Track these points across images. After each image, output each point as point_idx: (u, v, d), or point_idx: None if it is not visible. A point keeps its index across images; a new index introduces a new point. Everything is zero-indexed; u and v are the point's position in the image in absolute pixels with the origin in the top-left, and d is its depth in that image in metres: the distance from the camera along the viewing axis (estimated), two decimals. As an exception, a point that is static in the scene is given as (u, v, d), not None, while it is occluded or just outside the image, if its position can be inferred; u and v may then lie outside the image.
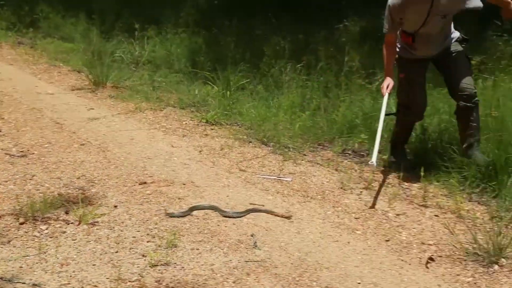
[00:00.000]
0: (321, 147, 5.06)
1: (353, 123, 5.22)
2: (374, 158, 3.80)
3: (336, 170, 4.51)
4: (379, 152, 4.12)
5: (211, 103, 6.32)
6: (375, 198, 3.92)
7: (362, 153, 4.84)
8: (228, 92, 6.40)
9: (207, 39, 9.16)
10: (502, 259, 3.08)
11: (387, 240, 3.35)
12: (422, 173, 4.09)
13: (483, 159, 4.06)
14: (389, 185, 4.18)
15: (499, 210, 3.64)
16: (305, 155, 4.86)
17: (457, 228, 3.47)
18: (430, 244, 3.31)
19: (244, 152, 4.94)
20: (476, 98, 4.15)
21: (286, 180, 4.28)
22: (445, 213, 3.72)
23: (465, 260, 3.11)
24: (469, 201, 3.89)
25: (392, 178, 4.32)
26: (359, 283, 2.87)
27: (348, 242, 3.32)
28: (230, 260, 3.07)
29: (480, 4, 4.05)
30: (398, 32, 4.29)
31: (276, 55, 7.13)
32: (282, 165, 4.61)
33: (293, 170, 4.52)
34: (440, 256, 3.17)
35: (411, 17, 4.08)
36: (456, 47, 4.28)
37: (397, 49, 4.36)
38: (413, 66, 4.35)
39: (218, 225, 3.51)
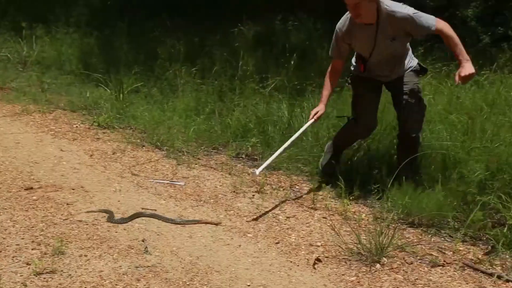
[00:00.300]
0: (215, 151, 5.10)
1: (247, 127, 5.30)
2: (259, 170, 3.79)
3: (230, 174, 4.56)
4: (267, 167, 4.05)
5: (103, 106, 6.19)
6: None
7: (255, 157, 4.92)
8: (121, 95, 6.29)
9: (100, 40, 8.95)
10: (384, 258, 3.24)
11: (277, 243, 3.43)
12: (311, 177, 4.23)
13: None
14: (281, 189, 4.28)
15: (381, 212, 3.83)
16: (199, 159, 4.88)
17: (343, 230, 3.61)
18: (318, 246, 3.42)
19: (137, 156, 4.89)
20: (419, 135, 4.07)
21: (179, 184, 4.28)
22: (332, 215, 3.86)
23: (349, 260, 3.25)
24: (356, 203, 4.06)
25: (284, 181, 4.43)
26: (248, 285, 2.92)
27: (239, 245, 3.37)
28: (120, 266, 3.03)
29: (430, 30, 3.83)
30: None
31: (171, 58, 7.11)
32: (175, 169, 4.61)
33: (186, 174, 4.53)
34: (327, 257, 3.28)
35: (359, 43, 4.03)
36: (410, 78, 4.10)
37: (351, 66, 4.34)
38: (364, 84, 4.23)
39: (108, 230, 3.46)
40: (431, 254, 3.33)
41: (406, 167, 3.87)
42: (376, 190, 4.10)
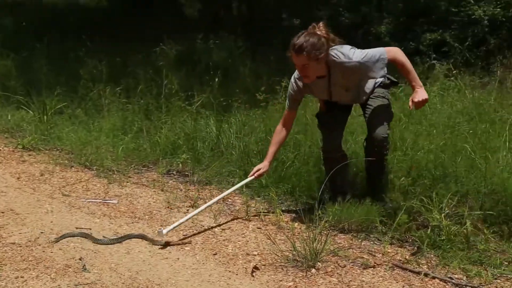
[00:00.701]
0: (145, 168, 5.12)
1: (176, 144, 5.35)
2: (167, 230, 3.61)
3: (162, 190, 4.59)
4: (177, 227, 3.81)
5: (26, 128, 6.09)
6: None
7: (186, 173, 4.97)
8: (45, 117, 6.19)
9: (17, 62, 8.76)
10: (318, 263, 3.36)
11: (214, 254, 3.49)
12: (243, 189, 4.34)
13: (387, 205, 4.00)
14: (214, 203, 4.34)
15: (314, 219, 3.96)
16: (130, 177, 4.88)
17: (278, 238, 3.71)
18: (255, 255, 3.50)
19: (66, 177, 4.83)
20: (386, 144, 3.97)
21: (112, 203, 4.27)
22: (266, 225, 3.96)
23: (286, 267, 3.34)
24: (288, 213, 4.18)
25: (216, 195, 4.50)
26: (190, 296, 2.97)
27: (178, 258, 3.40)
28: (59, 285, 3.00)
29: (383, 65, 3.84)
30: None
31: (93, 78, 7.06)
32: (107, 188, 4.59)
33: (119, 192, 4.52)
34: (264, 265, 3.37)
35: (316, 93, 4.05)
36: (377, 90, 3.99)
37: None
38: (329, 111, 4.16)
39: (43, 251, 3.41)
40: (362, 257, 3.48)
41: (375, 169, 4.03)
42: (307, 201, 4.25)
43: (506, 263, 3.37)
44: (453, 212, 3.71)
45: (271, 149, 4.08)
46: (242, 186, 4.20)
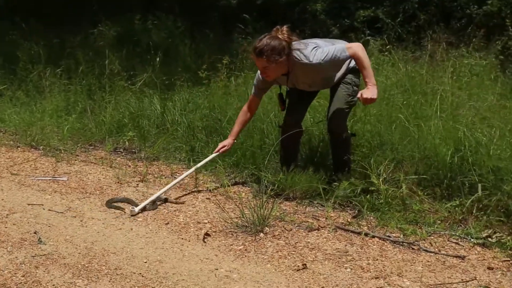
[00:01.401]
0: (92, 147, 5.18)
1: (122, 122, 5.42)
2: (138, 208, 3.77)
3: (111, 167, 4.67)
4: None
5: (-35, 111, 6.00)
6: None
7: (133, 150, 5.07)
8: (-16, 99, 6.13)
9: (-50, 45, 8.55)
10: (266, 228, 3.55)
11: (166, 223, 3.63)
12: (191, 163, 4.49)
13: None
14: (163, 177, 4.47)
15: (260, 188, 4.14)
16: (77, 155, 4.94)
17: (227, 207, 3.88)
18: (205, 223, 3.66)
19: (13, 157, 4.84)
20: (342, 135, 4.06)
21: (62, 180, 4.33)
22: (215, 195, 4.12)
23: (236, 232, 3.51)
24: (235, 185, 4.36)
25: (165, 170, 4.62)
26: (145, 262, 3.09)
27: (131, 229, 3.52)
28: (16, 257, 3.07)
29: (344, 62, 3.95)
30: None
31: (32, 60, 6.98)
32: (55, 166, 4.63)
33: (68, 170, 4.57)
34: (215, 232, 3.53)
35: (280, 84, 4.17)
36: (347, 78, 4.06)
37: None
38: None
39: (-3, 227, 3.46)
40: (307, 221, 3.69)
41: (338, 163, 4.12)
42: (252, 172, 4.43)
43: (439, 221, 3.66)
44: (390, 177, 3.95)
45: (236, 128, 4.26)
46: (207, 162, 4.31)
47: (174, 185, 4.13)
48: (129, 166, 4.69)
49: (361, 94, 3.76)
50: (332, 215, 3.80)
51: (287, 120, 4.20)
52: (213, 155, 4.28)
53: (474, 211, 3.67)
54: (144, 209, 3.80)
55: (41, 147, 5.06)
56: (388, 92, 5.40)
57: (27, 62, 6.86)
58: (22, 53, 7.11)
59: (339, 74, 4.03)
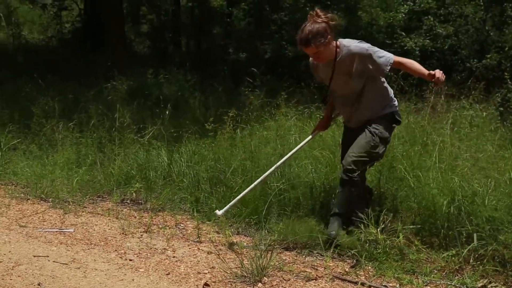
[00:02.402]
0: (100, 198, 5.31)
1: (129, 174, 5.57)
2: (222, 211, 4.25)
3: (117, 218, 4.79)
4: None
5: (-19, 165, 6.18)
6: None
7: (140, 201, 5.20)
8: (-1, 153, 6.33)
9: (-33, 101, 8.83)
10: (264, 278, 3.62)
11: (167, 274, 3.71)
12: (195, 214, 4.62)
13: (332, 233, 4.06)
14: (167, 227, 4.58)
15: (261, 239, 4.24)
16: (85, 207, 5.07)
17: (227, 257, 3.97)
18: (205, 273, 3.74)
19: (22, 209, 4.98)
20: (350, 174, 4.01)
21: (69, 231, 4.45)
22: (217, 246, 4.21)
23: (235, 282, 3.59)
24: (237, 234, 4.45)
25: (169, 220, 4.74)
26: (146, 312, 3.19)
27: (133, 279, 3.61)
28: (21, 308, 3.18)
29: (387, 63, 3.98)
30: None
31: (46, 114, 7.20)
32: (63, 218, 4.76)
33: (74, 221, 4.70)
34: (214, 282, 3.61)
35: (322, 75, 4.23)
36: (375, 122, 4.08)
37: None
38: (344, 132, 4.43)
39: (3, 279, 3.56)
40: (305, 271, 3.77)
41: (338, 202, 4.13)
42: (255, 221, 4.54)
43: (436, 271, 3.73)
44: (388, 227, 4.03)
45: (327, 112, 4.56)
46: (305, 143, 4.52)
47: (261, 181, 4.39)
48: (135, 217, 4.81)
49: (435, 74, 3.81)
50: (330, 264, 3.87)
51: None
52: (314, 134, 4.51)
53: (470, 261, 3.73)
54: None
55: (50, 199, 5.20)
56: (390, 143, 5.51)
57: (41, 117, 7.07)
58: (37, 108, 7.33)
59: (373, 105, 4.09)
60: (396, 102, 4.23)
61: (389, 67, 3.96)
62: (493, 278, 3.56)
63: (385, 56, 3.98)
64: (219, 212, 4.27)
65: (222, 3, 15.09)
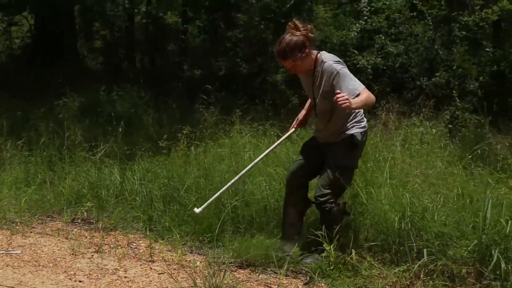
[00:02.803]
0: (49, 218, 5.19)
1: (80, 193, 5.46)
2: (200, 209, 4.23)
3: (67, 238, 4.68)
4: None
5: None
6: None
7: (91, 221, 5.09)
8: None
9: None
10: (218, 296, 3.61)
11: (118, 295, 3.65)
12: (148, 233, 4.56)
13: (310, 263, 4.04)
14: (119, 247, 4.50)
15: (214, 257, 4.20)
16: (33, 227, 4.94)
17: (180, 277, 3.92)
18: (158, 293, 3.70)
19: (-33, 231, 4.83)
20: (323, 205, 4.06)
21: (16, 253, 4.32)
22: (170, 265, 4.16)
23: (188, 302, 3.56)
24: (191, 253, 4.41)
25: (121, 240, 4.66)
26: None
27: (83, 302, 3.54)
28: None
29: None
30: None
31: (-6, 132, 7.04)
32: (10, 239, 4.63)
33: (22, 243, 4.57)
34: (167, 302, 3.57)
35: (305, 87, 4.23)
36: (339, 151, 4.06)
37: None
38: (308, 141, 4.41)
39: None
40: (259, 289, 3.76)
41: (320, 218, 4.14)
42: (208, 239, 4.50)
43: (387, 286, 3.76)
44: (341, 243, 4.05)
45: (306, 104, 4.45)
46: (284, 140, 4.58)
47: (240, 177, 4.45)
48: (85, 237, 4.71)
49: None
50: (284, 282, 3.87)
51: (288, 174, 4.33)
52: (291, 131, 4.46)
53: (421, 276, 3.77)
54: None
55: (-3, 219, 5.05)
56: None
57: (-12, 135, 6.89)
58: (-17, 126, 7.16)
59: (339, 123, 4.04)
60: (363, 123, 4.14)
61: (353, 97, 3.72)
62: (443, 293, 3.62)
63: (354, 85, 3.83)
64: (197, 210, 4.22)
65: (177, 20, 15.07)
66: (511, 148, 6.25)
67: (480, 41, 9.52)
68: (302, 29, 3.93)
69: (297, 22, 3.97)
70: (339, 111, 3.89)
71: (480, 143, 6.19)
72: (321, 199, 4.04)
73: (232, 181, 4.42)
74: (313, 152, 4.25)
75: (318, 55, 4.00)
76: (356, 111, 4.02)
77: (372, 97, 3.81)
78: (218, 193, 4.37)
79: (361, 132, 4.08)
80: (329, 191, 4.03)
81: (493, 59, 8.74)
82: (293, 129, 4.49)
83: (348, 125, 4.06)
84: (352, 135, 4.05)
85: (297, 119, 4.47)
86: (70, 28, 12.21)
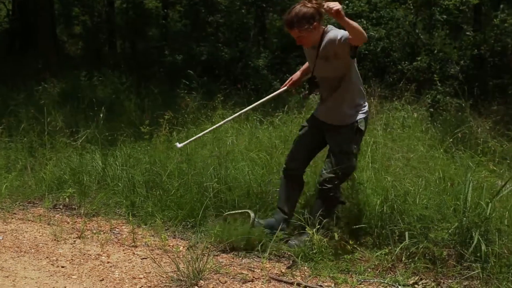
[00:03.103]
0: (31, 204, 5.14)
1: (62, 179, 5.41)
2: (182, 144, 4.43)
3: (49, 224, 4.65)
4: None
5: None
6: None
7: (73, 207, 5.05)
8: None
9: None
10: (201, 281, 3.59)
11: (101, 280, 3.63)
12: (130, 218, 4.54)
13: (294, 246, 4.08)
14: (101, 232, 4.48)
15: (197, 242, 4.21)
16: (15, 213, 4.89)
17: (163, 261, 3.91)
18: (141, 278, 3.68)
19: None
20: (328, 191, 4.07)
21: (-3, 239, 4.30)
22: (153, 250, 4.15)
23: (170, 286, 3.55)
24: (174, 238, 4.40)
25: (104, 225, 4.64)
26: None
27: (65, 287, 3.51)
28: None
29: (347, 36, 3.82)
30: None
31: (-28, 119, 6.95)
32: (-9, 226, 4.59)
33: (3, 229, 4.53)
34: (150, 287, 3.55)
35: (307, 57, 4.21)
36: (345, 135, 4.06)
37: None
38: (308, 121, 4.37)
39: None
40: (242, 273, 3.76)
41: (316, 214, 4.07)
42: (191, 224, 4.50)
43: (370, 269, 3.79)
44: (324, 227, 4.07)
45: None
46: (273, 96, 4.60)
47: (222, 124, 4.77)
48: (68, 223, 4.68)
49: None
50: (267, 266, 3.88)
51: (286, 160, 4.35)
52: (282, 89, 4.50)
53: (402, 259, 3.81)
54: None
55: (-23, 206, 5.00)
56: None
57: (-33, 121, 6.81)
58: (-38, 112, 7.07)
59: (343, 103, 4.03)
60: (366, 108, 4.15)
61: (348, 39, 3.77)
62: (424, 275, 3.66)
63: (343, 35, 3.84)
64: (179, 145, 4.28)
65: (158, 5, 14.95)
66: (491, 132, 6.32)
67: (461, 25, 9.58)
68: (314, 1, 3.93)
69: None
70: (344, 87, 3.99)
71: (461, 127, 6.25)
72: (327, 185, 4.06)
73: (219, 123, 4.70)
74: (312, 133, 4.28)
75: (326, 29, 4.01)
76: (359, 95, 4.08)
77: (365, 35, 3.78)
78: (202, 133, 4.54)
79: (364, 118, 4.09)
80: (334, 177, 4.05)
81: (474, 43, 8.78)
82: (285, 87, 4.52)
83: (351, 109, 4.06)
84: (357, 121, 4.05)
85: (291, 78, 4.51)
86: (49, 13, 12.02)
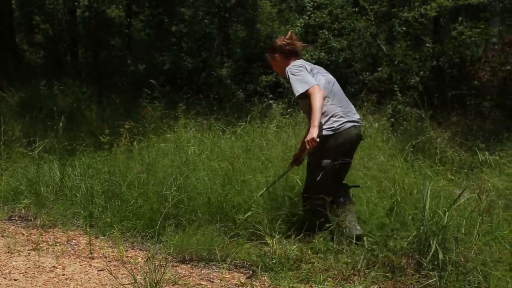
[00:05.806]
0: (-15, 216, 5.00)
1: (18, 189, 5.29)
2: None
3: (2, 236, 4.52)
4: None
5: None
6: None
7: (29, 218, 4.93)
8: None
9: None
10: (158, 293, 3.55)
11: (56, 293, 3.55)
12: (88, 229, 4.45)
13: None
14: (58, 244, 4.38)
15: (157, 253, 4.14)
16: (-33, 225, 4.76)
17: (120, 273, 3.84)
18: (98, 291, 3.61)
19: None
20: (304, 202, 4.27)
21: None
22: (110, 261, 4.07)
23: (126, 299, 3.49)
24: (132, 249, 4.33)
25: (61, 237, 4.53)
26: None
27: (17, 301, 3.42)
28: None
29: (296, 93, 4.09)
30: None
31: None
32: None
33: (-45, 241, 4.40)
34: (105, 299, 3.49)
35: None
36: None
37: None
38: None
39: None
40: (201, 284, 3.71)
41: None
42: (151, 235, 4.43)
43: (330, 278, 3.77)
44: (283, 237, 4.06)
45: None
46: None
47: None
48: (23, 234, 4.56)
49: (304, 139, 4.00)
50: (226, 276, 3.84)
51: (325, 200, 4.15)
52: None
53: (362, 268, 3.81)
54: None
55: None
56: (287, 153, 5.59)
57: None
58: None
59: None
60: (334, 124, 4.14)
61: (298, 94, 4.06)
62: (383, 284, 3.66)
63: (296, 87, 4.08)
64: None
65: (121, 14, 14.83)
66: (450, 142, 6.41)
67: (421, 36, 9.73)
68: (285, 39, 4.38)
69: (291, 34, 4.43)
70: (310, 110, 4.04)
71: (420, 137, 6.32)
72: (303, 195, 4.32)
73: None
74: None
75: (289, 66, 4.28)
76: (328, 113, 4.13)
77: (318, 99, 3.94)
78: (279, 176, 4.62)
79: (326, 134, 4.10)
80: (306, 187, 4.30)
81: (433, 54, 8.93)
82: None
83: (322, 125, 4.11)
84: (319, 136, 4.02)
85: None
86: (8, 21, 11.80)
